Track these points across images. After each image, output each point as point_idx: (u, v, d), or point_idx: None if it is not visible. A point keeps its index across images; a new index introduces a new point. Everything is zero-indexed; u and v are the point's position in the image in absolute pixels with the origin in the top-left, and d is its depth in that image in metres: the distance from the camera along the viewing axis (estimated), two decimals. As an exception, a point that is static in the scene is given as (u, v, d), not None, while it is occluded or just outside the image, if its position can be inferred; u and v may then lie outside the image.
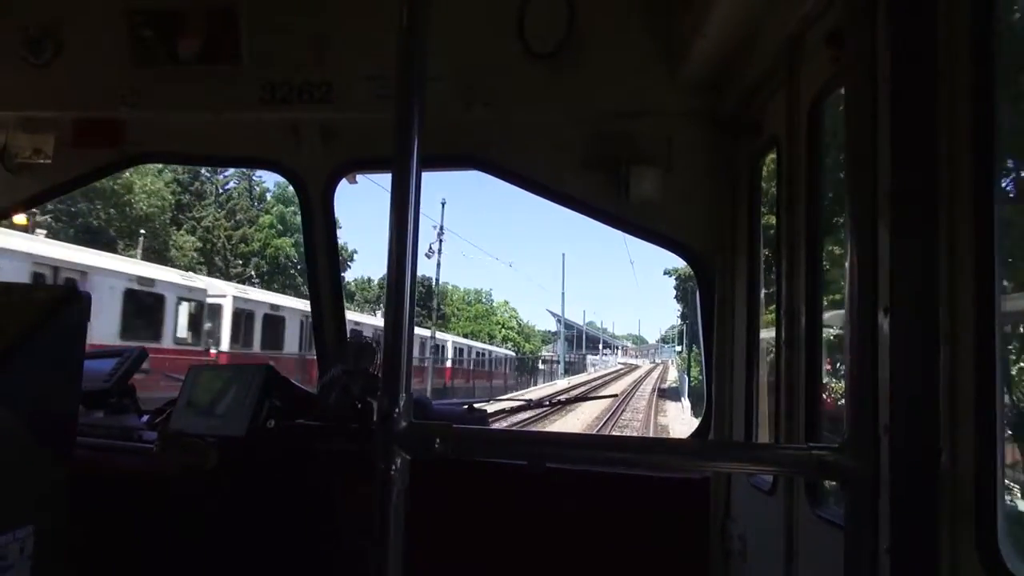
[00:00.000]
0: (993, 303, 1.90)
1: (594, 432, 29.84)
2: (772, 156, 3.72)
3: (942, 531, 1.96)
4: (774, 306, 3.51)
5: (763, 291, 3.93)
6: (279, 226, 71.26)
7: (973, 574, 1.84)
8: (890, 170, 2.15)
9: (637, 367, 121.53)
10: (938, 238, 2.04)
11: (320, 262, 5.14)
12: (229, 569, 4.27)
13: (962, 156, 2.01)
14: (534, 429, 23.95)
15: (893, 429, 2.05)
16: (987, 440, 1.87)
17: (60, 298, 3.09)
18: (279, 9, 4.70)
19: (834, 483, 2.50)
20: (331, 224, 5.12)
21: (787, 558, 3.11)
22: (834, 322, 3.26)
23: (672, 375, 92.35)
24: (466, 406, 5.10)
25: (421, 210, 2.32)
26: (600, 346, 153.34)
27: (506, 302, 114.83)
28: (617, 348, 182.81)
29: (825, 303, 3.17)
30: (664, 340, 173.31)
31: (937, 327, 2.01)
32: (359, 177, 5.26)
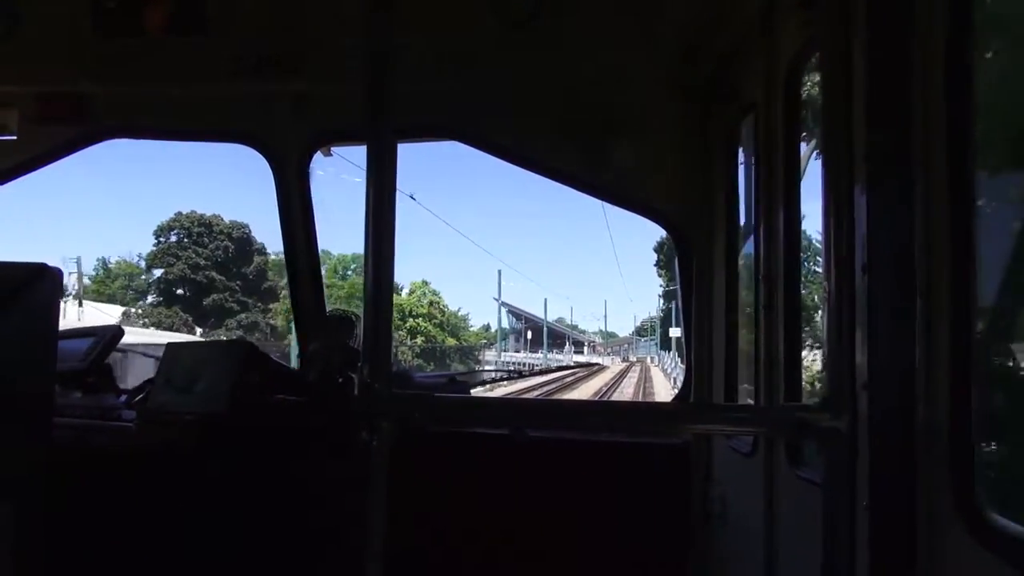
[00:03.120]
0: (970, 261, 1.92)
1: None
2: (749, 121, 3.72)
3: (919, 485, 1.99)
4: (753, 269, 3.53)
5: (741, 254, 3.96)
6: None
7: (951, 526, 1.87)
8: (865, 130, 2.15)
9: (601, 369, 68.27)
10: (914, 195, 2.05)
11: (297, 237, 5.07)
12: (211, 545, 4.26)
13: (937, 115, 2.02)
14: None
15: (871, 386, 2.07)
16: (963, 393, 1.90)
17: (30, 275, 3.03)
18: None
19: (814, 443, 2.53)
20: (307, 198, 5.05)
21: (767, 519, 3.16)
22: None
23: (660, 382, 52.12)
24: (448, 378, 5.11)
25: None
26: (525, 337, 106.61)
27: (424, 283, 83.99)
28: (582, 344, 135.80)
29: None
30: (640, 332, 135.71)
31: (914, 283, 2.03)
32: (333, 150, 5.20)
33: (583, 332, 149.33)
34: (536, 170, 4.62)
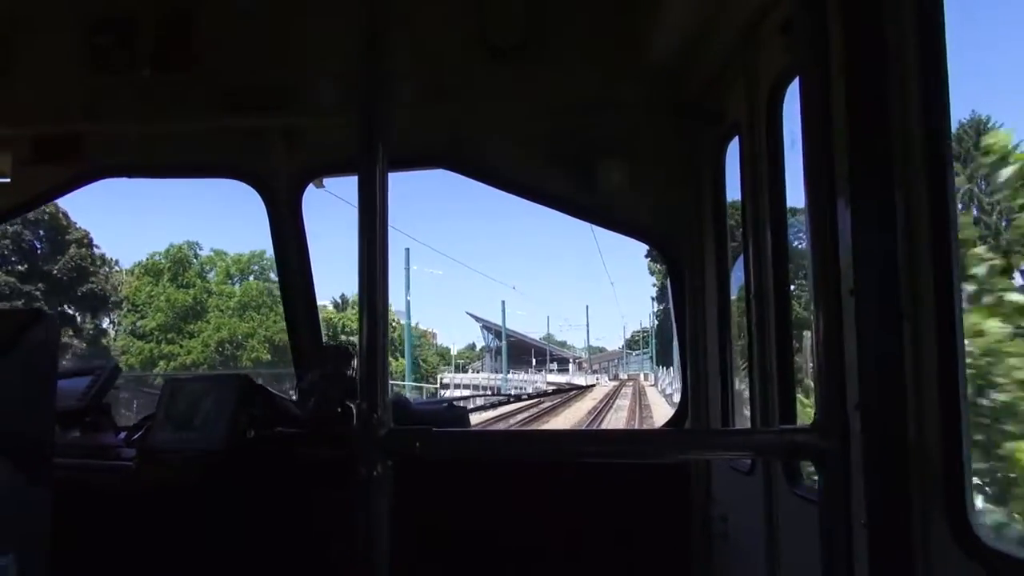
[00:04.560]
0: (952, 279, 1.96)
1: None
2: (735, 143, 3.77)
3: (914, 504, 2.02)
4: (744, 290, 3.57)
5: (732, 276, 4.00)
6: None
7: (944, 544, 1.90)
8: (847, 155, 2.20)
9: (581, 393, 45.14)
10: (896, 219, 2.09)
11: (291, 268, 5.10)
12: None
13: (916, 138, 2.06)
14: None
15: (863, 407, 2.10)
16: (952, 413, 1.93)
17: (27, 321, 3.05)
18: (237, 13, 4.65)
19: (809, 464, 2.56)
20: (300, 230, 5.09)
21: (768, 537, 3.18)
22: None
23: (662, 416, 31.72)
24: (445, 404, 5.12)
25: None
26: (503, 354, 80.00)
27: None
28: (566, 360, 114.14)
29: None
30: (632, 344, 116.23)
31: (899, 306, 2.07)
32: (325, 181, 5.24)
33: (571, 348, 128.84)
34: (526, 195, 4.68)
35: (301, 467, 4.39)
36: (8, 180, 5.13)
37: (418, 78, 4.36)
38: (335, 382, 4.52)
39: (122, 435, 5.08)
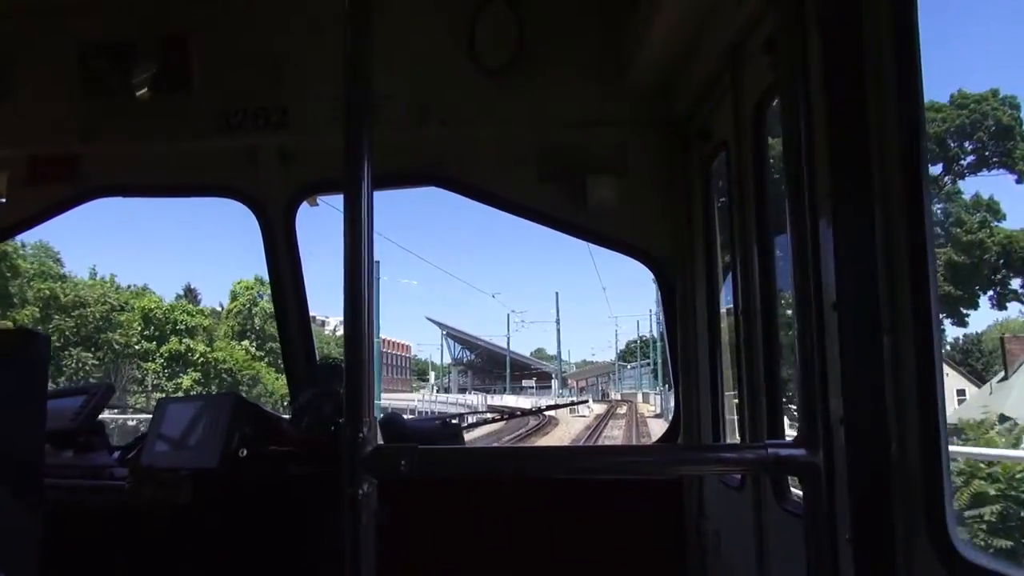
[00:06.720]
0: (929, 295, 1.98)
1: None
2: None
3: (896, 518, 2.03)
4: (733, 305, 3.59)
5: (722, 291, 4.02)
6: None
7: (926, 559, 1.91)
8: (828, 172, 2.22)
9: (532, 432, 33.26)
10: (875, 235, 2.11)
11: (285, 287, 5.12)
12: None
13: (893, 156, 2.09)
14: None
15: (847, 421, 2.12)
16: (931, 427, 1.94)
17: (19, 341, 3.07)
18: (231, 35, 4.70)
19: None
20: (294, 248, 5.11)
21: (758, 552, 3.18)
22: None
23: None
24: (439, 421, 5.12)
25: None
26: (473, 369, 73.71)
27: (260, 281, 54.49)
28: (548, 376, 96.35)
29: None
30: (626, 356, 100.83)
31: (880, 320, 2.09)
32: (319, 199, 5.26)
33: (545, 359, 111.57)
34: (517, 212, 4.70)
35: (293, 485, 4.39)
36: (3, 200, 5.17)
37: (408, 96, 4.40)
38: (327, 399, 4.53)
39: (115, 455, 5.08)
